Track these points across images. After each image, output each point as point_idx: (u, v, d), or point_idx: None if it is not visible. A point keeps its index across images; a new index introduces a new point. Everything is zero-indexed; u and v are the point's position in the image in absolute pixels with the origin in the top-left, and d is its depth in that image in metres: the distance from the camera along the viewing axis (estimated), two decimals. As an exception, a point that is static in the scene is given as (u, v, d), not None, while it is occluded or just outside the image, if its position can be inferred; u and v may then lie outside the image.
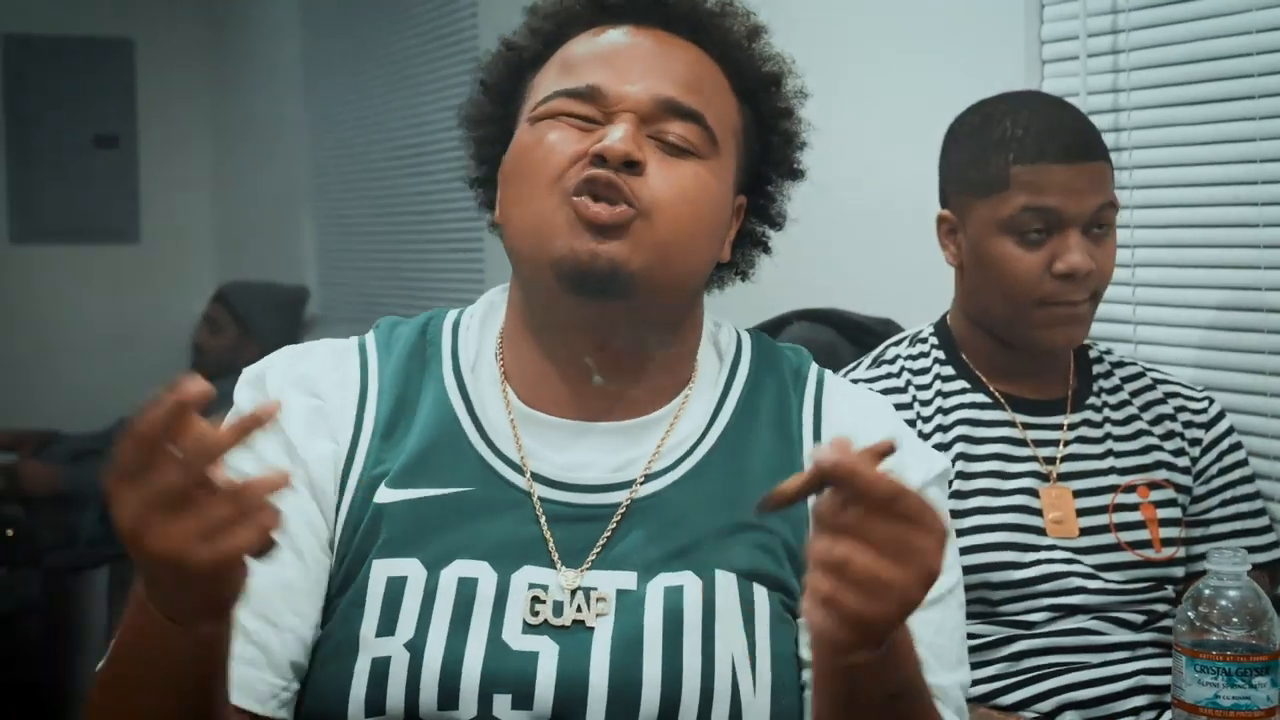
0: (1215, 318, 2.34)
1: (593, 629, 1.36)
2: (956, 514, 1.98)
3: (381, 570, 1.39)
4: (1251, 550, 2.06)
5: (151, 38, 6.37)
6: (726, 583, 1.38)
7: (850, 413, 1.51)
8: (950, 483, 1.95)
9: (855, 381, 2.05)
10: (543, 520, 1.41)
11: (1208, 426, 2.12)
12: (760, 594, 1.39)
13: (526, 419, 1.46)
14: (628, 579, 1.38)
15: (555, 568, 1.39)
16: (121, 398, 5.28)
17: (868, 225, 2.97)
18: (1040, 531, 2.00)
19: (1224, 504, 2.09)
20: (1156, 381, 2.15)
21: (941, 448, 2.02)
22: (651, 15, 1.49)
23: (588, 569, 1.39)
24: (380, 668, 1.35)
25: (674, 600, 1.37)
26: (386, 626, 1.37)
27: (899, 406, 2.02)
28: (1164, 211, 2.42)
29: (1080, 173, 1.98)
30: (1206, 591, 1.57)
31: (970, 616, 1.95)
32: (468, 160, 1.59)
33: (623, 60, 1.46)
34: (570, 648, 1.35)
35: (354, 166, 5.45)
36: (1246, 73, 2.26)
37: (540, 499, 1.42)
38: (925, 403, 2.06)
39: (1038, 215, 1.97)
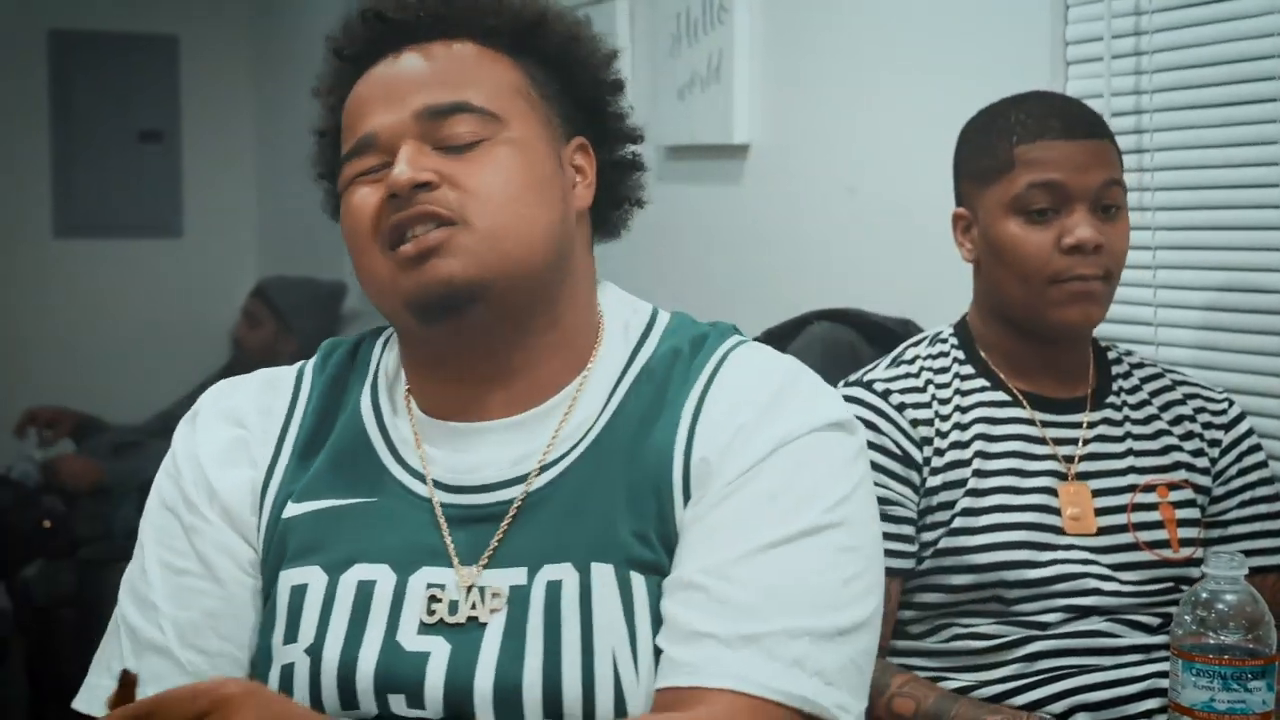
0: (1237, 320, 2.33)
1: (485, 625, 1.36)
2: (973, 511, 1.99)
3: (286, 581, 1.44)
4: (1270, 553, 2.07)
5: (196, 34, 6.39)
6: (603, 574, 1.36)
7: (735, 387, 1.43)
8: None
9: (872, 381, 2.07)
10: (443, 525, 1.42)
11: (1227, 428, 2.11)
12: (639, 582, 1.36)
13: (427, 427, 1.48)
14: (519, 575, 1.38)
15: (453, 568, 1.40)
16: (163, 392, 5.36)
17: (890, 226, 2.97)
18: (1058, 530, 2.00)
19: (1242, 505, 2.09)
20: (1176, 383, 2.15)
21: (960, 446, 2.03)
22: (391, 41, 1.49)
23: (483, 566, 1.39)
24: (287, 674, 1.40)
25: (553, 596, 1.36)
26: (290, 634, 1.41)
27: (917, 405, 2.04)
28: (1187, 214, 2.41)
29: (1083, 148, 2.01)
30: (1204, 595, 1.57)
31: (985, 616, 1.98)
32: None
33: (379, 96, 1.46)
34: (461, 647, 1.36)
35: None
36: (1271, 75, 2.24)
37: (440, 504, 1.43)
38: (944, 401, 2.06)
39: (1043, 191, 2.00)
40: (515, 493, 1.42)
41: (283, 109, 6.38)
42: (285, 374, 1.56)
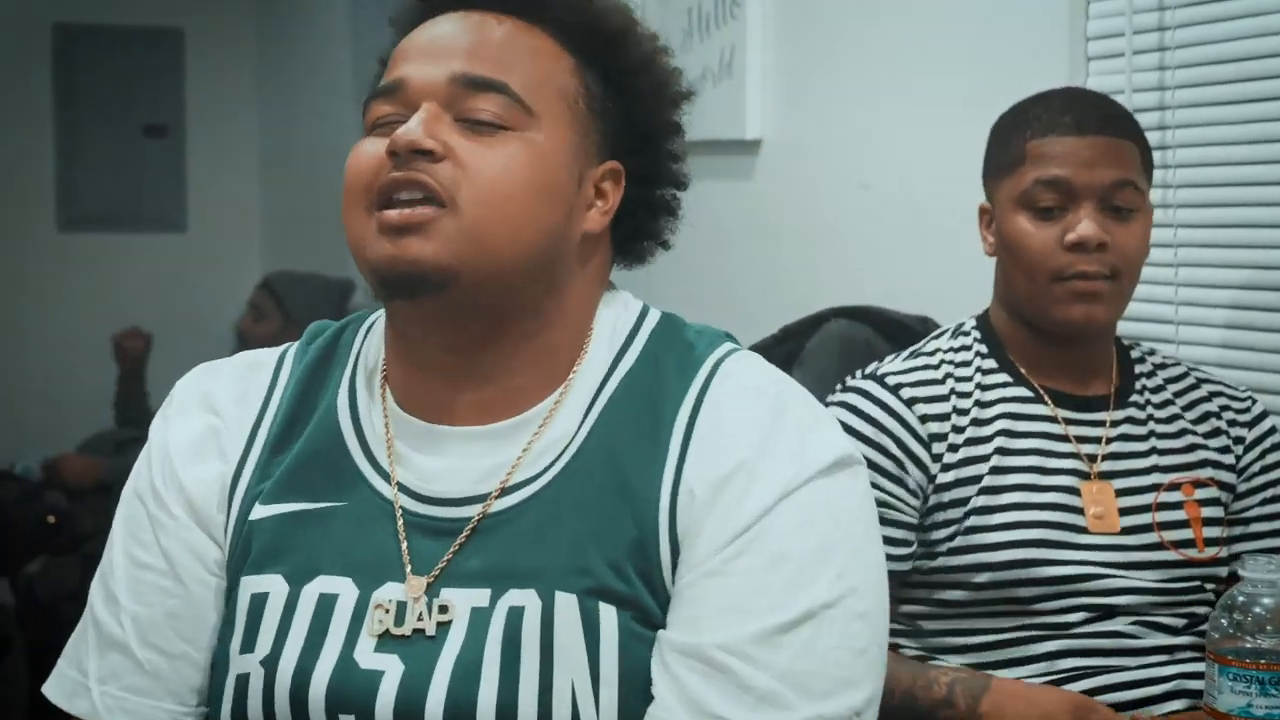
0: (1259, 319, 2.31)
1: (432, 639, 1.31)
2: (991, 509, 1.97)
3: (247, 587, 1.38)
4: (1291, 550, 2.05)
5: (201, 27, 6.40)
6: (567, 604, 1.30)
7: (726, 409, 1.36)
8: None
9: (885, 375, 2.06)
10: (402, 533, 1.37)
11: (1251, 425, 2.09)
12: (607, 614, 1.30)
13: (401, 424, 1.41)
14: (481, 597, 1.32)
15: (411, 580, 1.34)
16: (166, 386, 5.32)
17: (909, 224, 2.95)
18: (1080, 530, 1.98)
19: (1264, 503, 2.07)
20: (1200, 380, 2.13)
21: (977, 441, 2.01)
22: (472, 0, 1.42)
23: (432, 581, 1.34)
24: (242, 685, 1.35)
25: (514, 622, 1.30)
26: (248, 643, 1.36)
27: (931, 399, 2.03)
28: (1208, 211, 2.39)
29: (1093, 145, 1.99)
30: (1240, 598, 1.55)
31: (1006, 615, 1.97)
32: None
33: (428, 47, 1.39)
34: (415, 669, 1.30)
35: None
36: (1294, 72, 2.23)
37: (403, 510, 1.37)
38: (964, 395, 2.04)
39: (1049, 187, 1.99)
40: (473, 511, 1.36)
41: (287, 104, 6.38)
42: (267, 358, 1.50)
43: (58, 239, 6.15)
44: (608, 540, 1.32)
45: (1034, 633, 1.96)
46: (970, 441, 2.01)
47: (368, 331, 1.50)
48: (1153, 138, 2.36)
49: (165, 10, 6.28)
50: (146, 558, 1.41)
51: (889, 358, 2.13)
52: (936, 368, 2.07)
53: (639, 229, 1.48)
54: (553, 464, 1.36)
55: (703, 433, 1.35)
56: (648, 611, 1.32)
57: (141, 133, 6.32)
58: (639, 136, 1.45)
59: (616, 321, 1.44)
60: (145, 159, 6.33)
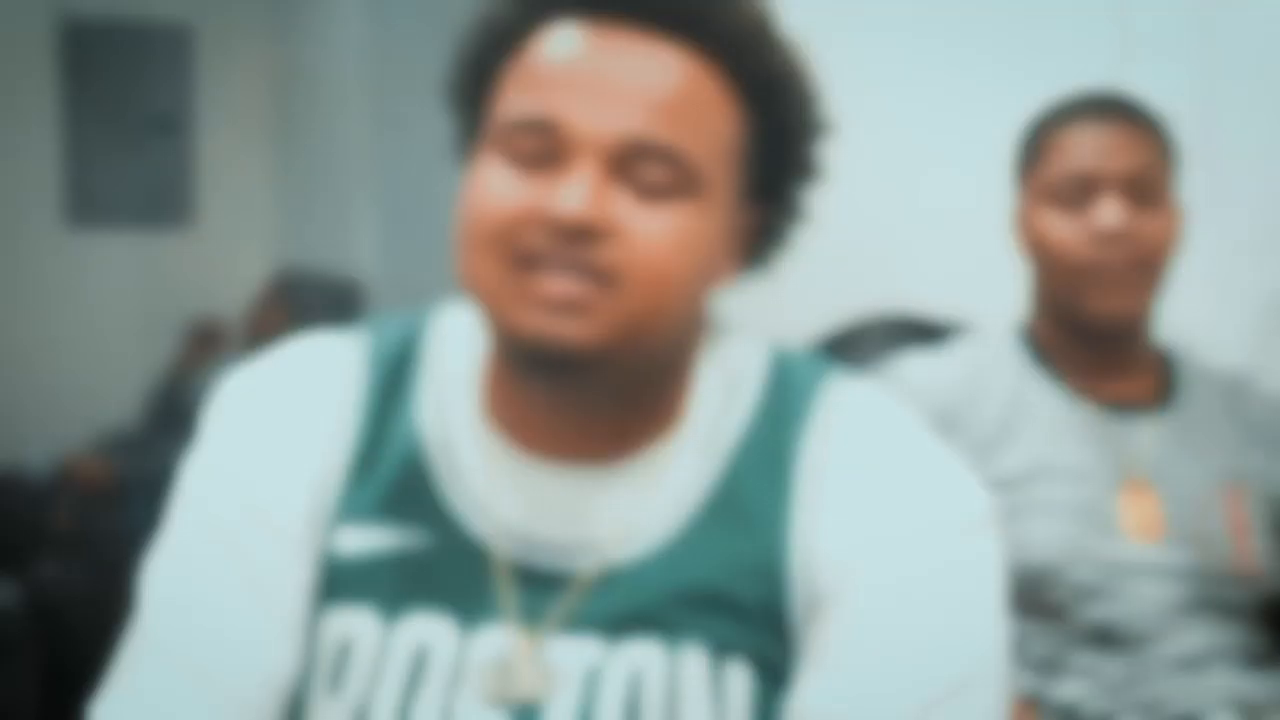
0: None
1: (548, 704, 1.23)
2: (1019, 511, 1.95)
3: (332, 625, 1.29)
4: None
5: (211, 23, 6.41)
6: (696, 664, 1.23)
7: (860, 460, 1.28)
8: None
9: (893, 370, 2.05)
10: (504, 578, 1.28)
11: (1296, 431, 2.07)
12: (736, 674, 1.24)
13: (502, 454, 1.30)
14: (595, 653, 1.25)
15: (515, 632, 1.26)
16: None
17: (949, 229, 2.93)
18: (1120, 537, 1.95)
19: None
20: (1244, 386, 2.11)
21: (1005, 445, 1.99)
22: (638, 5, 1.24)
23: (547, 636, 1.26)
24: None
25: (634, 684, 1.23)
26: (334, 688, 1.27)
27: (939, 391, 2.01)
28: (1254, 211, 2.37)
29: (1113, 131, 1.99)
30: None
31: (1044, 617, 1.94)
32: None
33: (591, 78, 1.21)
34: None
35: (416, 153, 5.44)
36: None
37: (505, 552, 1.28)
38: (986, 394, 2.03)
39: (1070, 178, 1.98)
40: (587, 560, 1.27)
41: (298, 99, 6.38)
42: (333, 356, 1.35)
43: (65, 235, 6.15)
44: (737, 597, 1.25)
45: (1074, 642, 1.93)
46: (989, 445, 1.99)
47: (448, 336, 1.37)
48: (1198, 136, 2.33)
49: (175, 5, 6.29)
50: (226, 587, 1.29)
51: (911, 356, 2.12)
52: (955, 365, 2.06)
53: (755, 256, 1.36)
54: (674, 511, 1.28)
55: (837, 486, 1.27)
56: (780, 674, 1.25)
57: (151, 129, 6.33)
58: (782, 177, 1.33)
59: (723, 356, 1.34)
60: (154, 155, 6.34)
